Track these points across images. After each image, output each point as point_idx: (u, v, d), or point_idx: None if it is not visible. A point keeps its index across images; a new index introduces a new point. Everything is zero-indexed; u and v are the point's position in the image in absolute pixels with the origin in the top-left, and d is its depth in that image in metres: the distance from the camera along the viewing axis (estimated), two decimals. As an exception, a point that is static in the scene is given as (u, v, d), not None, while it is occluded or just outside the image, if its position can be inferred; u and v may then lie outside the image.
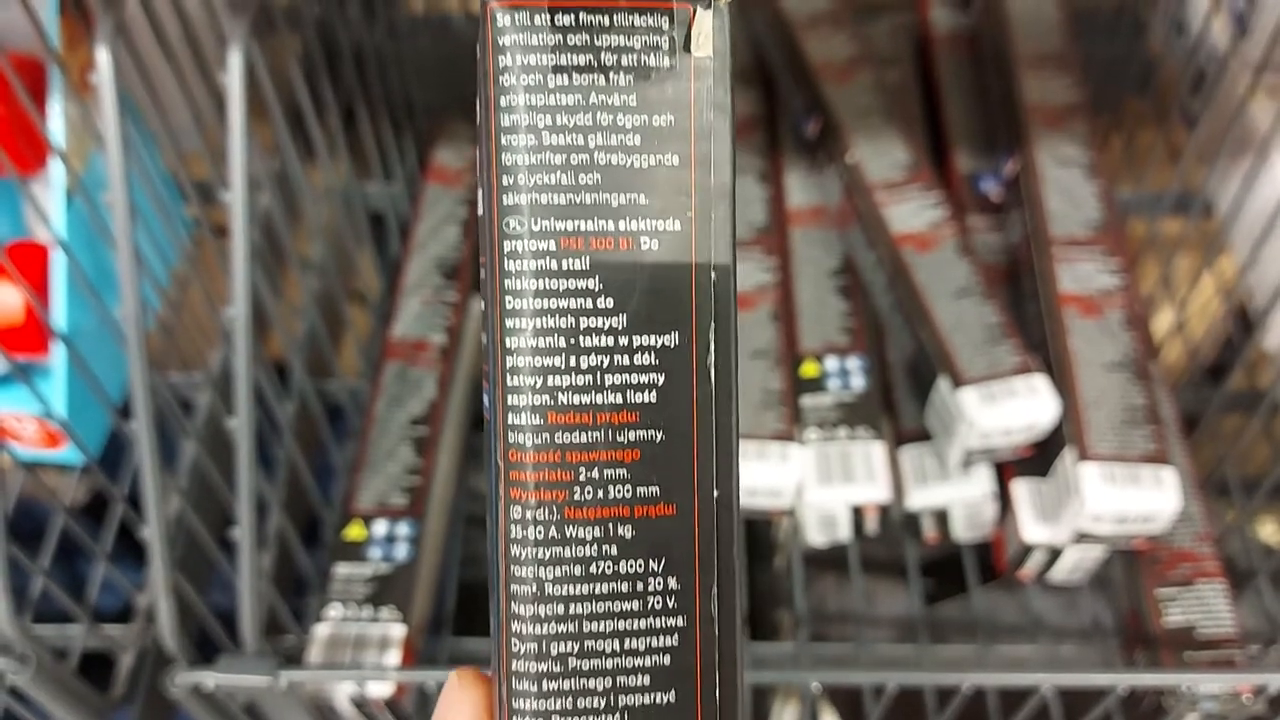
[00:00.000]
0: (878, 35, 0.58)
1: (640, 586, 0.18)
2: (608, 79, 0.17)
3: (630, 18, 0.17)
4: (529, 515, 0.17)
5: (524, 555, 0.17)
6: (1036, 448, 0.43)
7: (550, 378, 0.17)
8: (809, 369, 0.47)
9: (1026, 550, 0.44)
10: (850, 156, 0.49)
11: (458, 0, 0.62)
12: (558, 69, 0.17)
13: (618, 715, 0.18)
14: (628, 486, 0.18)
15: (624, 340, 0.17)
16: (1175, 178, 0.53)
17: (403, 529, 0.44)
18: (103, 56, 0.35)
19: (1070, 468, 0.41)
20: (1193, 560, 0.44)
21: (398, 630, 0.41)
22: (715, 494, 0.18)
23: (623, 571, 0.18)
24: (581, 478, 0.17)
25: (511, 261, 0.17)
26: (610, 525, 0.18)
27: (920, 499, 0.45)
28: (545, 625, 0.17)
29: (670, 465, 0.18)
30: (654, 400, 0.18)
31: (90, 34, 0.35)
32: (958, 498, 0.45)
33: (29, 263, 0.45)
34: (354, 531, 0.44)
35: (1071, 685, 0.38)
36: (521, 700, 0.18)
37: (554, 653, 0.17)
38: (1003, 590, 0.49)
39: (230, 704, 0.40)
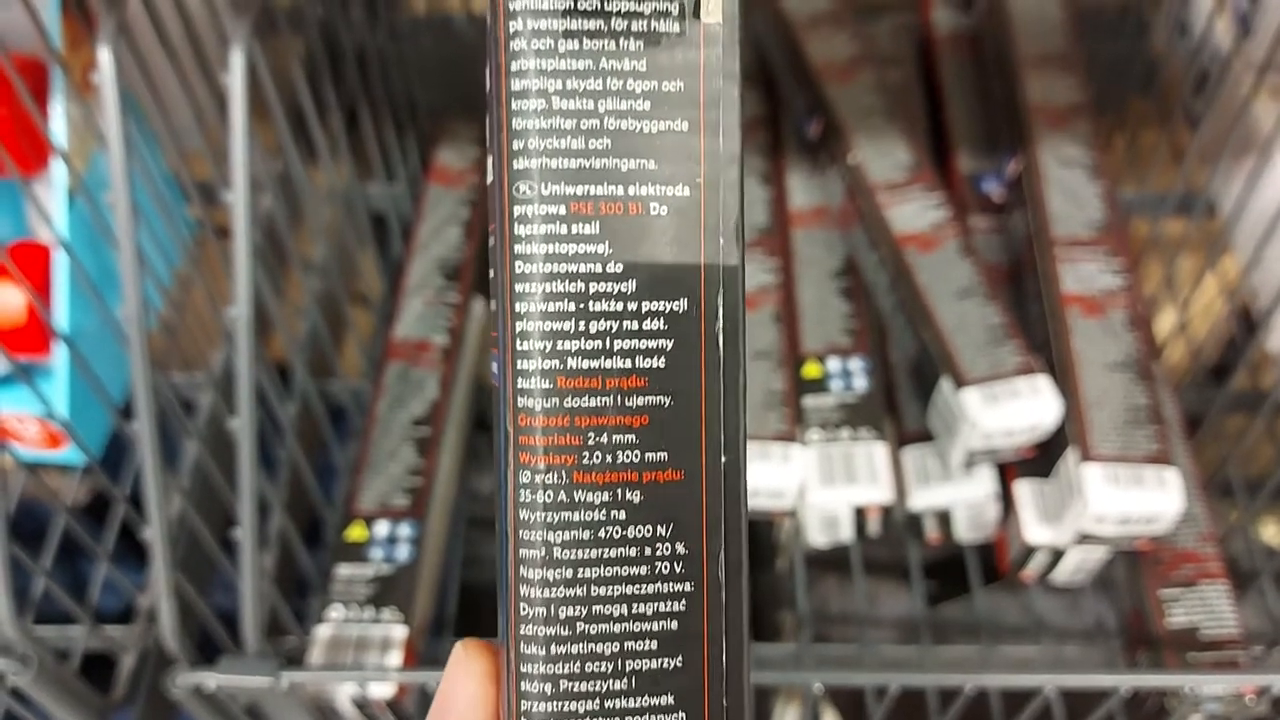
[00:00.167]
0: (879, 35, 0.58)
1: (648, 551, 0.18)
2: (618, 44, 0.17)
3: None
4: (538, 479, 0.17)
5: (532, 519, 0.17)
6: (1039, 448, 0.43)
7: (560, 342, 0.17)
8: (811, 370, 0.47)
9: (1029, 551, 0.44)
10: (852, 157, 0.49)
11: (460, 1, 0.62)
12: (568, 34, 0.17)
13: (625, 680, 0.18)
14: (636, 452, 0.18)
15: (633, 306, 0.17)
16: (1178, 178, 0.53)
17: (404, 530, 0.44)
18: (105, 56, 0.35)
19: (1073, 468, 0.41)
20: (1196, 561, 0.44)
21: (399, 631, 0.41)
22: (723, 460, 0.18)
23: (631, 536, 0.18)
24: (590, 442, 0.17)
25: (521, 226, 0.17)
26: (619, 490, 0.18)
27: (922, 500, 0.45)
28: (553, 589, 0.17)
29: (678, 431, 0.18)
30: (663, 366, 0.18)
31: (92, 34, 0.35)
32: (960, 499, 0.45)
33: (31, 263, 0.45)
34: (355, 532, 0.44)
35: (1074, 686, 0.38)
36: (530, 664, 0.18)
37: (562, 617, 0.18)
38: (1005, 591, 0.49)
39: (232, 705, 0.40)
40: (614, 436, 0.18)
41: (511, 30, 0.17)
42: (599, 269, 0.17)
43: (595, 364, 0.17)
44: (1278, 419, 0.49)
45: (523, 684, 0.18)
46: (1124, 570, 0.46)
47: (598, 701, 0.18)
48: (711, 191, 0.18)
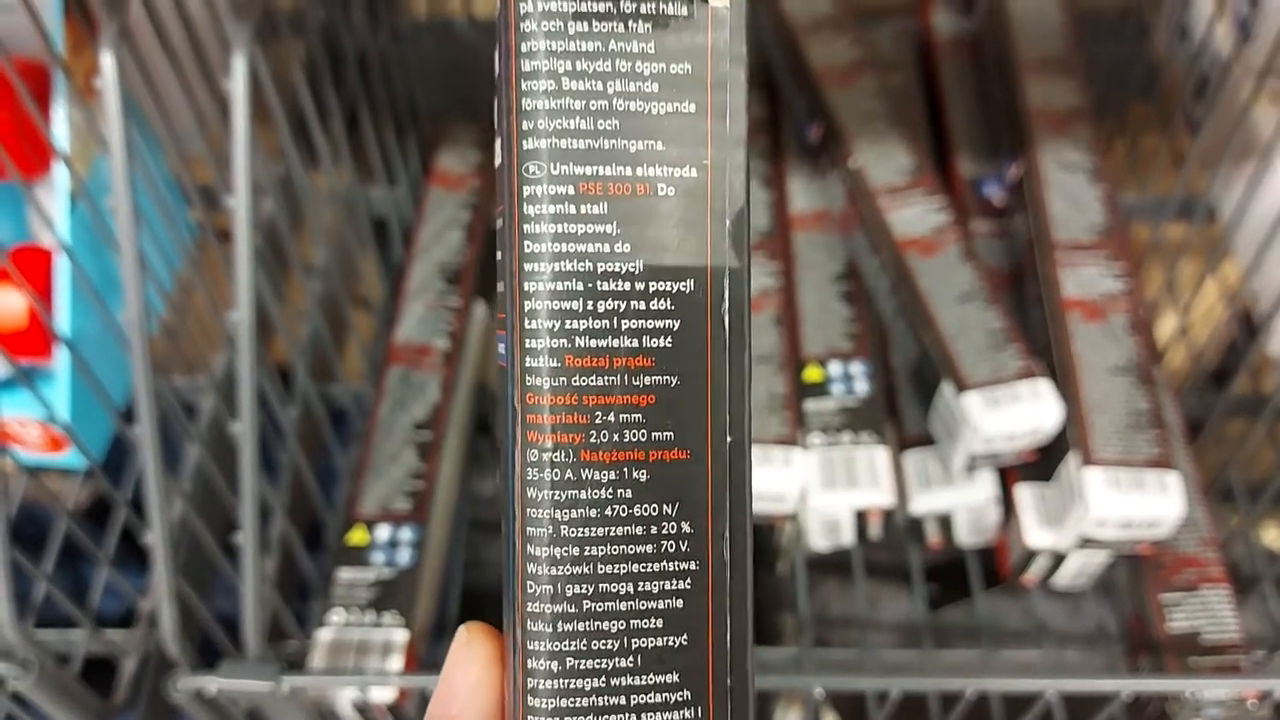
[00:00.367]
0: (880, 40, 0.58)
1: (654, 530, 0.18)
2: (626, 26, 0.17)
3: None
4: (545, 457, 0.18)
5: (540, 497, 0.18)
6: (1040, 452, 0.43)
7: (568, 321, 0.17)
8: (812, 374, 0.47)
9: (1030, 555, 0.44)
10: (853, 161, 0.49)
11: (460, 4, 0.62)
12: (578, 15, 0.17)
13: (631, 658, 0.18)
14: (643, 431, 0.18)
15: (640, 286, 0.18)
16: (1179, 182, 0.53)
17: (405, 534, 0.44)
18: (107, 61, 0.35)
19: (1074, 472, 0.41)
20: (1197, 565, 0.44)
21: (400, 635, 0.41)
22: (728, 440, 0.18)
23: (637, 515, 0.18)
24: (598, 421, 0.18)
25: (530, 206, 0.17)
26: (625, 469, 0.18)
27: (924, 504, 0.45)
28: (560, 567, 0.18)
29: (684, 410, 0.18)
30: (669, 345, 0.18)
31: (94, 38, 0.35)
32: (961, 502, 0.45)
33: (33, 267, 0.45)
34: (357, 536, 0.44)
35: (1076, 691, 0.38)
36: (536, 642, 0.18)
37: (569, 595, 0.18)
38: (1006, 595, 0.49)
39: (233, 709, 0.40)
40: (621, 415, 0.18)
41: (522, 12, 0.17)
42: (607, 249, 0.17)
43: (603, 343, 0.18)
44: (1279, 423, 0.49)
45: (529, 662, 0.18)
46: (1125, 574, 0.46)
47: (604, 679, 0.18)
48: (718, 173, 0.18)
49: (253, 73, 0.38)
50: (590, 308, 0.17)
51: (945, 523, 0.46)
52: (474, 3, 0.61)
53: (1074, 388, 0.43)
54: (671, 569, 0.18)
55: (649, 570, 0.18)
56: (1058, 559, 0.44)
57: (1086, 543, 0.42)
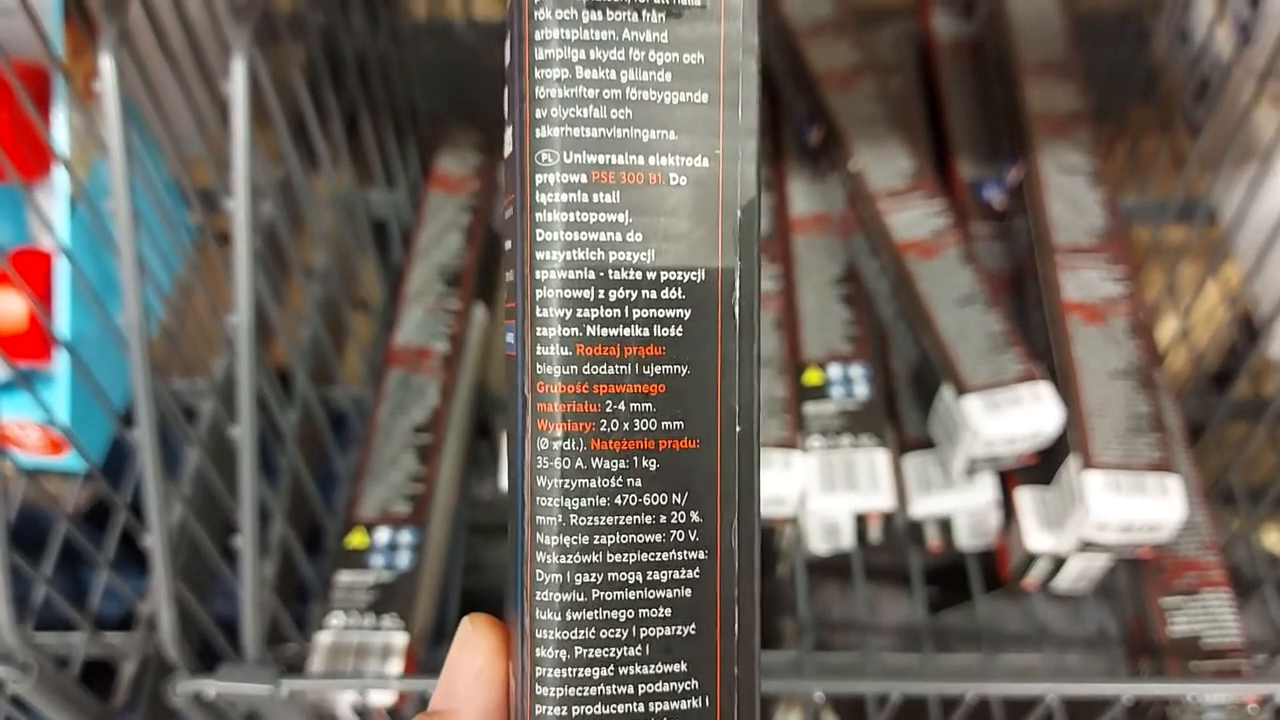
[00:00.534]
0: (880, 43, 0.58)
1: (663, 519, 0.18)
2: (640, 15, 0.17)
3: None
4: (555, 446, 0.17)
5: (549, 486, 0.18)
6: (1041, 456, 0.43)
7: (579, 310, 0.17)
8: (812, 377, 0.47)
9: (1031, 559, 0.44)
10: (853, 164, 0.49)
11: (460, 7, 0.62)
12: (591, 4, 0.17)
13: (639, 646, 0.18)
14: (653, 420, 0.18)
15: (652, 275, 0.18)
16: (1179, 185, 0.53)
17: (405, 537, 0.44)
18: (106, 64, 0.35)
19: (1075, 476, 0.41)
20: (1198, 569, 0.44)
21: (400, 639, 0.41)
22: (738, 430, 0.18)
23: (646, 504, 0.18)
24: (608, 410, 0.18)
25: (543, 194, 0.17)
26: (635, 458, 0.18)
27: (924, 507, 0.45)
28: (569, 556, 0.18)
29: (694, 400, 0.18)
30: (680, 335, 0.18)
31: (94, 42, 0.35)
32: (961, 506, 0.45)
33: (32, 270, 0.45)
34: (356, 539, 0.44)
35: (1077, 695, 0.38)
36: (545, 630, 0.18)
37: (578, 583, 0.18)
38: (1007, 599, 0.49)
39: (232, 712, 0.40)
40: (631, 404, 0.18)
41: (536, 0, 0.17)
42: (619, 238, 0.17)
43: (614, 332, 0.17)
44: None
45: (537, 650, 0.18)
46: (1126, 578, 0.46)
47: (612, 668, 0.18)
48: (730, 163, 0.18)
49: (252, 76, 0.38)
50: (602, 296, 0.17)
51: (945, 526, 0.46)
52: (474, 5, 0.61)
53: (1074, 391, 0.43)
54: (680, 558, 0.18)
55: (658, 559, 0.18)
56: (1058, 562, 0.44)
57: (1087, 546, 0.42)
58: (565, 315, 0.17)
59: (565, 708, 0.18)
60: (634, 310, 0.18)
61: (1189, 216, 0.55)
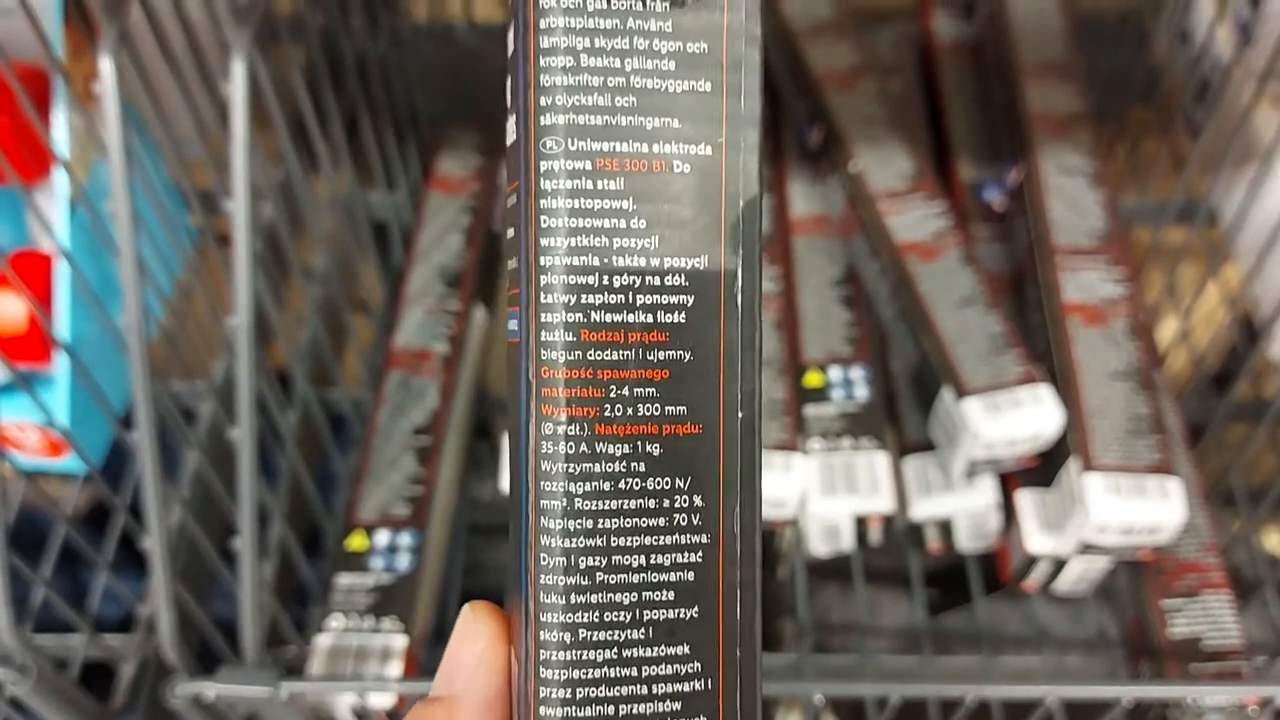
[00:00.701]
0: (880, 44, 0.58)
1: (667, 504, 0.18)
2: (644, 5, 0.17)
3: None
4: (560, 431, 0.18)
5: (554, 470, 0.18)
6: (1041, 458, 0.43)
7: (584, 296, 0.18)
8: (812, 379, 0.47)
9: (1031, 561, 0.44)
10: (853, 165, 0.49)
11: (461, 9, 0.62)
12: None
13: (643, 630, 0.18)
14: (656, 405, 0.18)
15: (655, 262, 0.18)
16: (1179, 187, 0.53)
17: (405, 539, 0.44)
18: (106, 66, 0.35)
19: (1075, 478, 0.41)
20: (1198, 571, 0.44)
21: (399, 641, 0.41)
22: (739, 416, 0.18)
23: (650, 488, 0.18)
24: (612, 395, 0.18)
25: (547, 181, 0.17)
26: (639, 442, 0.18)
27: (924, 509, 0.45)
28: (574, 539, 0.18)
29: (697, 386, 0.18)
30: (683, 321, 0.18)
31: (94, 43, 0.35)
32: (962, 508, 0.45)
33: (32, 272, 0.45)
34: (356, 541, 0.44)
35: (1077, 697, 0.38)
36: (549, 613, 0.18)
37: (582, 567, 0.18)
38: (1007, 601, 0.49)
39: (231, 715, 0.40)
40: (635, 390, 0.18)
41: None
42: (623, 224, 0.18)
43: (618, 318, 0.18)
44: (1280, 428, 0.49)
45: (541, 633, 0.18)
46: (1126, 580, 0.46)
47: (615, 650, 0.18)
48: (733, 152, 0.18)
49: (252, 77, 0.38)
50: (606, 283, 0.18)
51: (945, 528, 0.46)
52: (474, 7, 0.61)
53: (1074, 393, 0.43)
54: (683, 542, 0.18)
55: (661, 543, 0.18)
56: (1058, 565, 0.44)
57: (1087, 548, 0.42)
58: (570, 301, 0.17)
59: (570, 690, 0.18)
60: (638, 296, 0.18)
61: (1189, 218, 0.54)
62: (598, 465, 0.18)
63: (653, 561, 0.18)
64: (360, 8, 0.55)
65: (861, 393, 0.47)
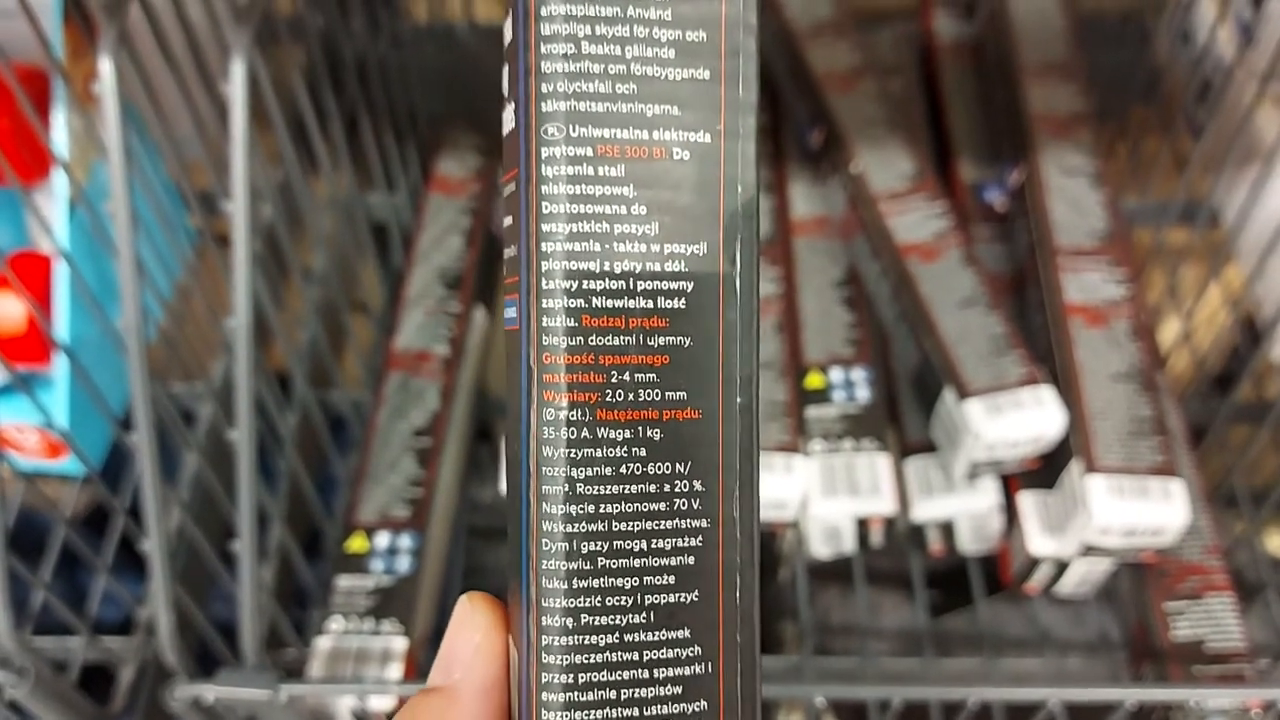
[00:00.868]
0: (881, 44, 0.58)
1: (667, 488, 0.18)
2: None
3: None
4: (561, 416, 0.18)
5: (555, 456, 0.18)
6: (1043, 459, 0.43)
7: (585, 281, 0.18)
8: (814, 380, 0.47)
9: (1033, 563, 0.44)
10: (854, 166, 0.49)
11: (461, 9, 0.62)
12: None
13: (644, 614, 0.18)
14: (657, 390, 0.18)
15: (656, 248, 0.18)
16: (1181, 187, 0.53)
17: (405, 541, 0.44)
18: (106, 66, 0.35)
19: (1077, 480, 0.41)
20: (1201, 573, 0.44)
21: (400, 643, 0.41)
22: (738, 401, 0.18)
23: (651, 473, 0.18)
24: (613, 380, 0.18)
25: (549, 167, 0.17)
26: (640, 428, 0.18)
27: (925, 511, 0.45)
28: (575, 525, 0.18)
29: (697, 371, 0.18)
30: (683, 307, 0.18)
31: (94, 44, 0.35)
32: (963, 510, 0.45)
33: (31, 273, 0.45)
34: (356, 543, 0.44)
35: (1079, 700, 0.38)
36: (550, 598, 0.18)
37: (584, 551, 0.18)
38: (1009, 603, 0.49)
39: (230, 717, 0.40)
40: (636, 375, 0.18)
41: None
42: (624, 210, 0.18)
43: (619, 304, 0.18)
44: (1282, 429, 0.48)
45: (543, 619, 0.18)
46: (1128, 582, 0.45)
47: (617, 635, 0.18)
48: (731, 139, 0.18)
49: (252, 78, 0.38)
50: (607, 269, 0.18)
51: (947, 530, 0.46)
52: (475, 8, 0.61)
53: (1076, 394, 0.43)
54: (684, 526, 0.18)
55: (662, 528, 0.18)
56: (1061, 567, 0.44)
57: (1089, 550, 0.42)
58: (571, 287, 0.18)
59: (572, 675, 0.18)
60: (638, 282, 0.18)
61: (1191, 218, 0.54)
62: (599, 450, 0.18)
63: (653, 546, 0.18)
64: (360, 8, 0.55)
65: (863, 394, 0.46)
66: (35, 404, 0.39)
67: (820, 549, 0.46)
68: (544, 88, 0.17)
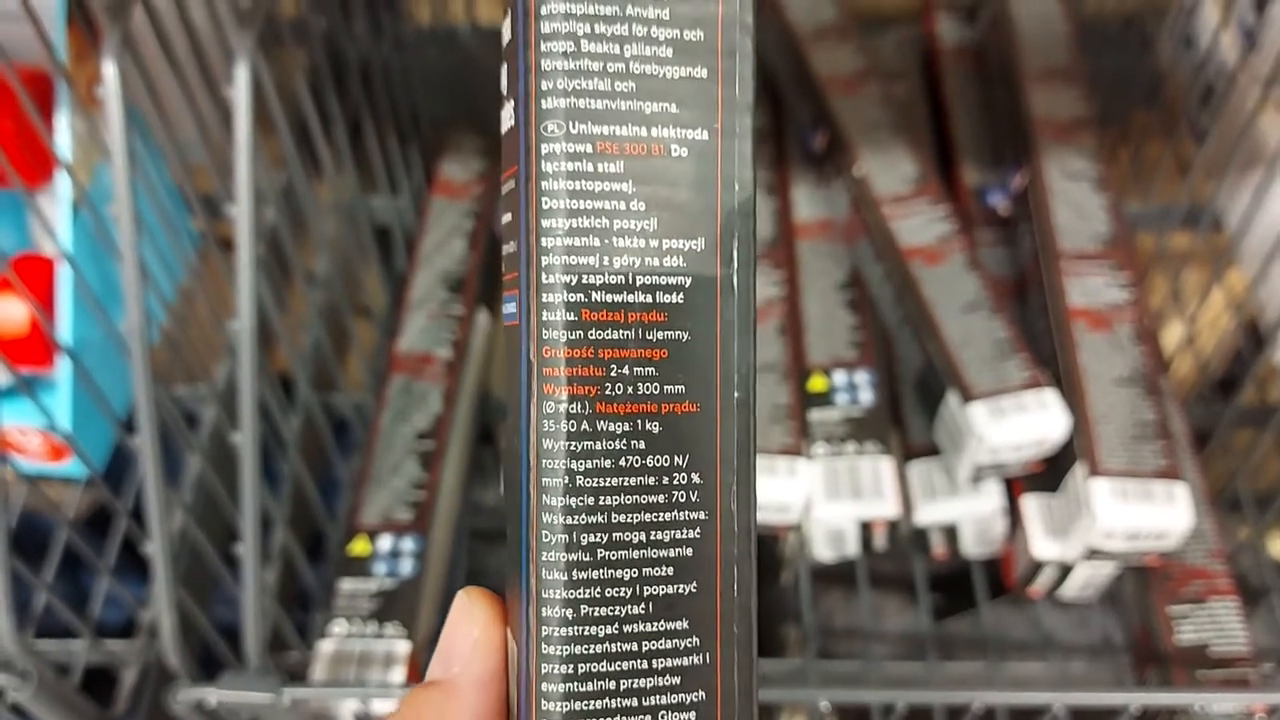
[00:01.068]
0: (884, 48, 0.58)
1: (666, 480, 0.18)
2: None
3: None
4: (561, 409, 0.18)
5: (555, 449, 0.18)
6: (1046, 463, 0.43)
7: (585, 276, 0.18)
8: (817, 383, 0.47)
9: (1037, 566, 0.44)
10: (857, 169, 0.49)
11: (464, 12, 0.62)
12: None
13: (643, 605, 0.18)
14: (656, 384, 0.18)
15: (654, 243, 0.18)
16: (1184, 191, 0.53)
17: (408, 544, 0.44)
18: (109, 70, 0.35)
19: (1081, 483, 0.41)
20: (1205, 577, 0.44)
21: (402, 647, 0.41)
22: (735, 396, 0.19)
23: (650, 466, 0.18)
24: (613, 374, 0.18)
25: (549, 164, 0.18)
26: (639, 420, 0.18)
27: (929, 514, 0.45)
28: (575, 516, 0.18)
29: (695, 365, 0.18)
30: (681, 302, 0.18)
31: (97, 47, 0.35)
32: (967, 513, 0.45)
33: (34, 275, 0.45)
34: (359, 547, 0.44)
35: (1083, 704, 0.38)
36: (551, 590, 0.18)
37: (583, 543, 0.18)
38: (1012, 606, 0.49)
39: (233, 720, 0.40)
40: (635, 369, 0.18)
41: None
42: (623, 206, 0.18)
43: (619, 298, 0.18)
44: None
45: (543, 610, 0.18)
46: (1132, 586, 0.45)
47: (616, 626, 0.18)
48: (728, 137, 0.18)
49: (255, 81, 0.38)
50: (606, 263, 0.18)
51: (951, 533, 0.46)
52: (477, 10, 0.61)
53: (1080, 398, 0.43)
54: (682, 518, 0.19)
55: (660, 520, 0.18)
56: (1064, 570, 0.44)
57: (1093, 554, 0.42)
58: (571, 281, 0.18)
59: (571, 665, 0.18)
60: (637, 277, 0.18)
61: (1194, 223, 0.54)
62: (599, 443, 0.18)
63: (652, 538, 0.18)
64: (363, 11, 0.55)
65: (866, 397, 0.46)
66: (38, 406, 0.39)
67: (823, 552, 0.46)
68: (544, 85, 0.18)
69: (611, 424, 0.18)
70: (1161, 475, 0.41)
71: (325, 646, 0.41)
